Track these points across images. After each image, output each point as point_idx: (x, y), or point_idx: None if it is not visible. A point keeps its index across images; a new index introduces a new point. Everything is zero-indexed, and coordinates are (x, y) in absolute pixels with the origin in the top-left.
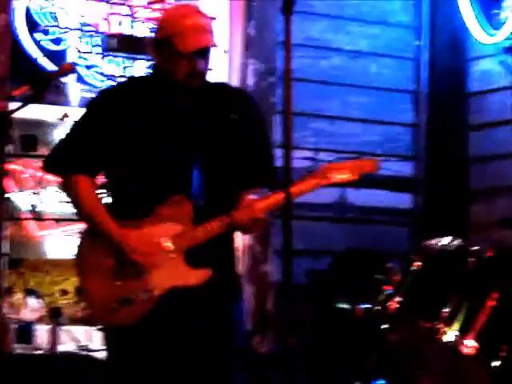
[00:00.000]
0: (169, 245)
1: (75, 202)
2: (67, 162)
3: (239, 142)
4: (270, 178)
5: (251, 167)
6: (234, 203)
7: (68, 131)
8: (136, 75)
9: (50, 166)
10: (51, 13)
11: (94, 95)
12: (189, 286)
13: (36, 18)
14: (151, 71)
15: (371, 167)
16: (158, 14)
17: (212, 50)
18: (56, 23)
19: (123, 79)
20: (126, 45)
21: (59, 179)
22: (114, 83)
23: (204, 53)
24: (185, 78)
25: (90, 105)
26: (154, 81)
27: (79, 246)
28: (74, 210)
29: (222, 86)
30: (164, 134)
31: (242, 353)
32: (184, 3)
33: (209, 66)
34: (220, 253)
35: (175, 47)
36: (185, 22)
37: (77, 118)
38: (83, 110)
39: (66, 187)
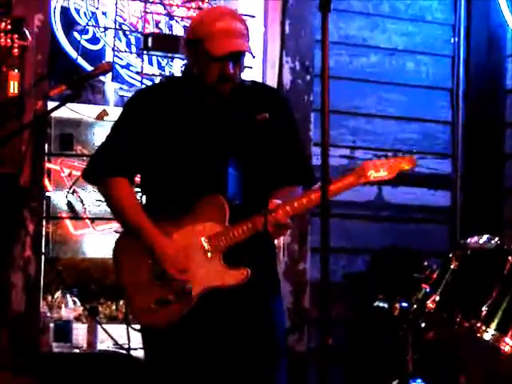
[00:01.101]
0: (206, 245)
1: (114, 205)
2: (104, 166)
3: (272, 140)
4: (305, 175)
5: (286, 166)
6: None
7: (106, 136)
8: (171, 75)
9: (88, 174)
10: (88, 12)
11: (130, 94)
12: (227, 287)
13: (73, 17)
14: (184, 71)
15: (408, 164)
16: (194, 13)
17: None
18: (93, 22)
19: (160, 78)
20: (163, 44)
21: (97, 186)
22: (151, 82)
23: (235, 57)
24: (215, 81)
25: (125, 107)
26: (188, 81)
27: (117, 245)
28: (113, 212)
29: (255, 85)
30: (198, 134)
31: (283, 352)
32: (220, 5)
33: (241, 70)
34: (259, 251)
35: (206, 49)
36: (217, 25)
37: (114, 118)
38: (120, 110)
39: (103, 191)
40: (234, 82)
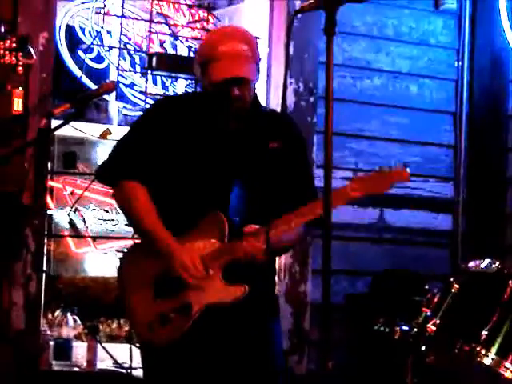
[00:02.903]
0: (205, 262)
1: (129, 209)
2: (122, 169)
3: (282, 170)
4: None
5: (292, 197)
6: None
7: (122, 139)
8: (178, 94)
9: (103, 175)
10: (93, 31)
11: (134, 114)
12: (226, 303)
13: (78, 36)
14: (201, 90)
15: (401, 177)
16: (198, 33)
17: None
18: (98, 41)
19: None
20: (167, 63)
21: (112, 188)
22: (153, 101)
23: (238, 80)
24: (224, 102)
25: (146, 113)
26: (203, 100)
27: (122, 264)
28: (127, 220)
29: (273, 113)
30: (206, 152)
31: (280, 373)
32: (227, 26)
33: (251, 91)
34: (259, 270)
35: (208, 74)
36: (219, 49)
37: (117, 137)
38: (123, 129)
39: (120, 194)
40: (244, 102)
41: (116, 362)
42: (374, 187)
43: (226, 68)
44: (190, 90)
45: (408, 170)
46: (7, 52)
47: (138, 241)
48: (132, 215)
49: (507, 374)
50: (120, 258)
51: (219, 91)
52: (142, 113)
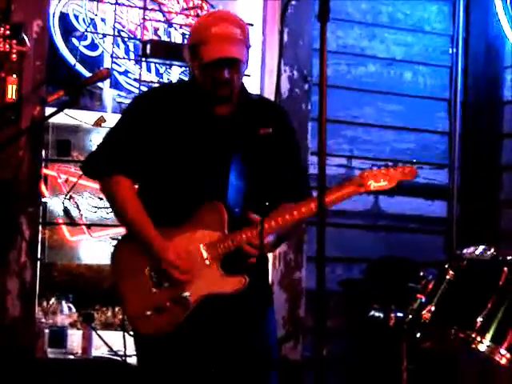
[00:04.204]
0: (205, 252)
1: (116, 204)
2: (108, 163)
3: (274, 155)
4: (300, 195)
5: (283, 183)
6: (269, 212)
7: (107, 133)
8: (173, 81)
9: (89, 169)
10: (87, 18)
11: (128, 101)
12: (224, 294)
13: (72, 23)
14: (189, 78)
15: (408, 175)
16: (192, 21)
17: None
18: (92, 29)
19: (157, 85)
20: (161, 51)
21: (99, 182)
22: (149, 89)
23: (229, 63)
24: (212, 86)
25: (131, 106)
26: (192, 88)
27: (116, 252)
28: (113, 214)
29: (261, 100)
30: (200, 141)
31: (276, 361)
32: (218, 10)
33: (240, 75)
34: (256, 261)
35: (200, 55)
36: (211, 30)
37: (111, 124)
38: (117, 117)
39: (106, 189)
40: (232, 87)
41: (111, 350)
42: (381, 184)
43: (218, 49)
44: (184, 78)
45: (417, 170)
46: (1, 39)
47: None
48: (117, 210)
49: (502, 361)
50: (114, 246)
51: (208, 74)
52: (130, 101)
